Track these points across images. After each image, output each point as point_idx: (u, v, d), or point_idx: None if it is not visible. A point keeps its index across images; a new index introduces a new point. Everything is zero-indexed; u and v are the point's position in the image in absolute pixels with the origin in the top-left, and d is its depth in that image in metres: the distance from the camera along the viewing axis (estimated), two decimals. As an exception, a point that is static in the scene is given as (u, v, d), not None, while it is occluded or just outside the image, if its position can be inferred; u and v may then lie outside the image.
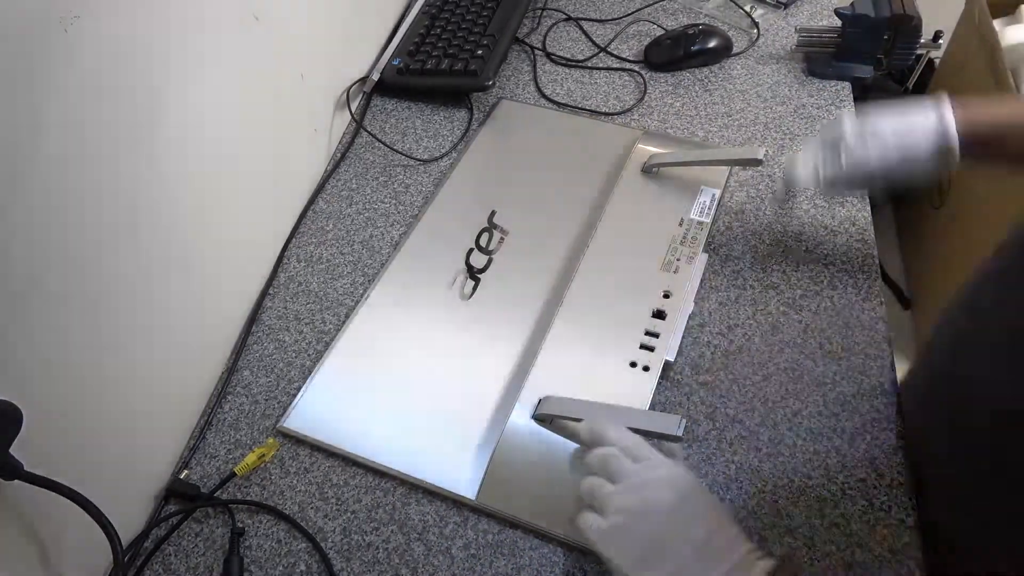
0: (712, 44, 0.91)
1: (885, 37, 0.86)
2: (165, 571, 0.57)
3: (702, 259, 0.69)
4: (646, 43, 0.94)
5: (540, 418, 0.59)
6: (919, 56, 0.96)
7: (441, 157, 0.85)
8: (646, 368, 0.61)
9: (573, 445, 0.57)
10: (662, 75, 0.92)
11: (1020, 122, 0.56)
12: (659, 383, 0.61)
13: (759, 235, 0.73)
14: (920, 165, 0.57)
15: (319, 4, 0.81)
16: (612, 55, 0.96)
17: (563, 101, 0.90)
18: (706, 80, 0.91)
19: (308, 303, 0.72)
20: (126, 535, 0.57)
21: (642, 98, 0.89)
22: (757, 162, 0.71)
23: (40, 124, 0.45)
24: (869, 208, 0.75)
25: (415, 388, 0.64)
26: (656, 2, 1.02)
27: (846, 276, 0.69)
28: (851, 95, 0.87)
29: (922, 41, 0.87)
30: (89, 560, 0.54)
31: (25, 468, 0.44)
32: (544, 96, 0.91)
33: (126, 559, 0.56)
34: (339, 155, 0.86)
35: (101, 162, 0.50)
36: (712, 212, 0.73)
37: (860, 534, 0.54)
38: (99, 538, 0.45)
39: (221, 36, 0.64)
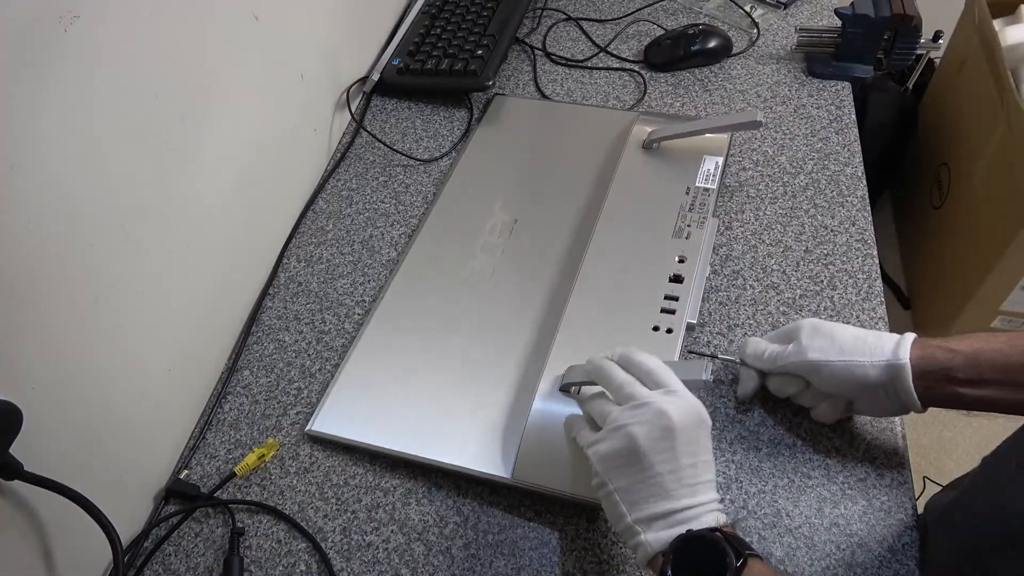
0: (712, 44, 0.91)
1: (885, 37, 0.86)
2: (165, 571, 0.57)
3: (712, 223, 0.70)
4: (646, 43, 0.94)
5: (567, 387, 0.59)
6: (919, 56, 0.96)
7: (441, 157, 0.85)
8: (669, 331, 0.61)
9: None
10: (662, 75, 0.92)
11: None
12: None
13: (759, 235, 0.73)
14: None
15: (319, 4, 0.81)
16: (612, 55, 0.96)
17: (563, 101, 0.90)
18: (706, 80, 0.91)
19: (308, 303, 0.72)
20: (126, 535, 0.57)
21: (642, 98, 0.89)
22: (756, 124, 0.71)
23: (40, 123, 0.45)
24: (869, 208, 0.75)
25: (438, 378, 0.64)
26: (656, 2, 1.02)
27: (846, 276, 0.69)
28: (851, 95, 0.87)
29: (922, 41, 0.87)
30: (89, 560, 0.54)
31: (25, 468, 0.44)
32: (544, 96, 0.91)
33: (126, 559, 0.56)
34: (339, 155, 0.86)
35: (100, 161, 0.50)
36: (717, 179, 0.73)
37: (860, 534, 0.54)
38: (99, 538, 0.45)
39: (221, 36, 0.64)
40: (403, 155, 0.85)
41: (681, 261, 0.66)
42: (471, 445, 0.59)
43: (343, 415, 0.63)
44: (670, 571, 0.43)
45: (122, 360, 0.55)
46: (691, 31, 0.91)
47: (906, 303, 1.59)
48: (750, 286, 0.69)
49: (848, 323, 0.66)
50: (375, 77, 0.91)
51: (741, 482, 0.57)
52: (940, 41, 0.93)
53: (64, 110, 0.46)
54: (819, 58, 0.90)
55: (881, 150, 1.45)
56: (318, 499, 0.59)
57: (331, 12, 0.83)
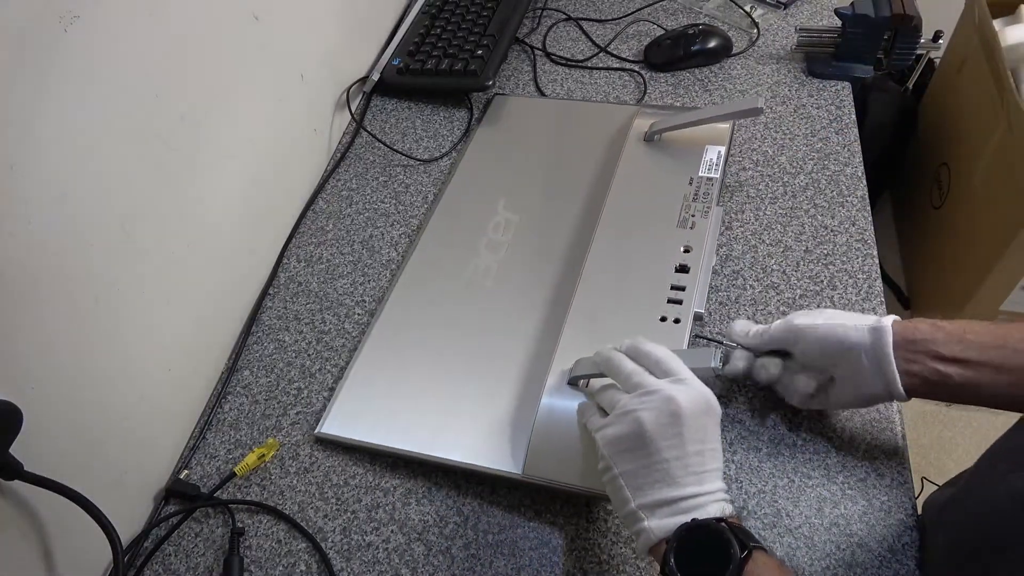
0: (712, 44, 0.91)
1: (885, 37, 0.86)
2: (165, 571, 0.57)
3: (717, 212, 0.70)
4: (646, 43, 0.94)
5: (575, 380, 0.59)
6: (919, 56, 0.96)
7: (441, 157, 0.85)
8: (677, 321, 0.61)
9: None
10: (662, 75, 0.92)
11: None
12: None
13: (759, 235, 0.73)
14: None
15: (319, 4, 0.81)
16: (612, 55, 0.96)
17: (563, 99, 0.90)
18: (706, 80, 0.91)
19: (308, 303, 0.72)
20: (126, 535, 0.57)
21: (642, 98, 0.89)
22: (757, 111, 0.71)
23: (39, 123, 0.45)
24: (869, 208, 0.75)
25: (445, 377, 0.64)
26: (656, 2, 1.02)
27: (846, 276, 0.69)
28: (851, 95, 0.87)
29: (922, 41, 0.87)
30: (89, 560, 0.54)
31: (25, 468, 0.44)
32: (544, 96, 0.91)
33: (126, 559, 0.56)
34: (339, 155, 0.86)
35: (100, 162, 0.50)
36: (720, 168, 0.73)
37: (860, 534, 0.54)
38: (99, 538, 0.45)
39: (221, 36, 0.64)
40: (403, 155, 0.85)
41: (687, 251, 0.66)
42: (481, 442, 0.59)
43: (352, 416, 0.62)
44: (672, 559, 0.43)
45: (122, 360, 0.55)
46: (691, 31, 0.92)
47: (906, 303, 1.59)
48: (750, 286, 0.69)
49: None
50: (375, 77, 0.91)
51: (741, 482, 0.57)
52: (940, 41, 0.93)
53: (64, 110, 0.46)
54: (819, 58, 0.90)
55: (881, 150, 1.45)
56: (318, 499, 0.59)
57: (331, 12, 0.84)
